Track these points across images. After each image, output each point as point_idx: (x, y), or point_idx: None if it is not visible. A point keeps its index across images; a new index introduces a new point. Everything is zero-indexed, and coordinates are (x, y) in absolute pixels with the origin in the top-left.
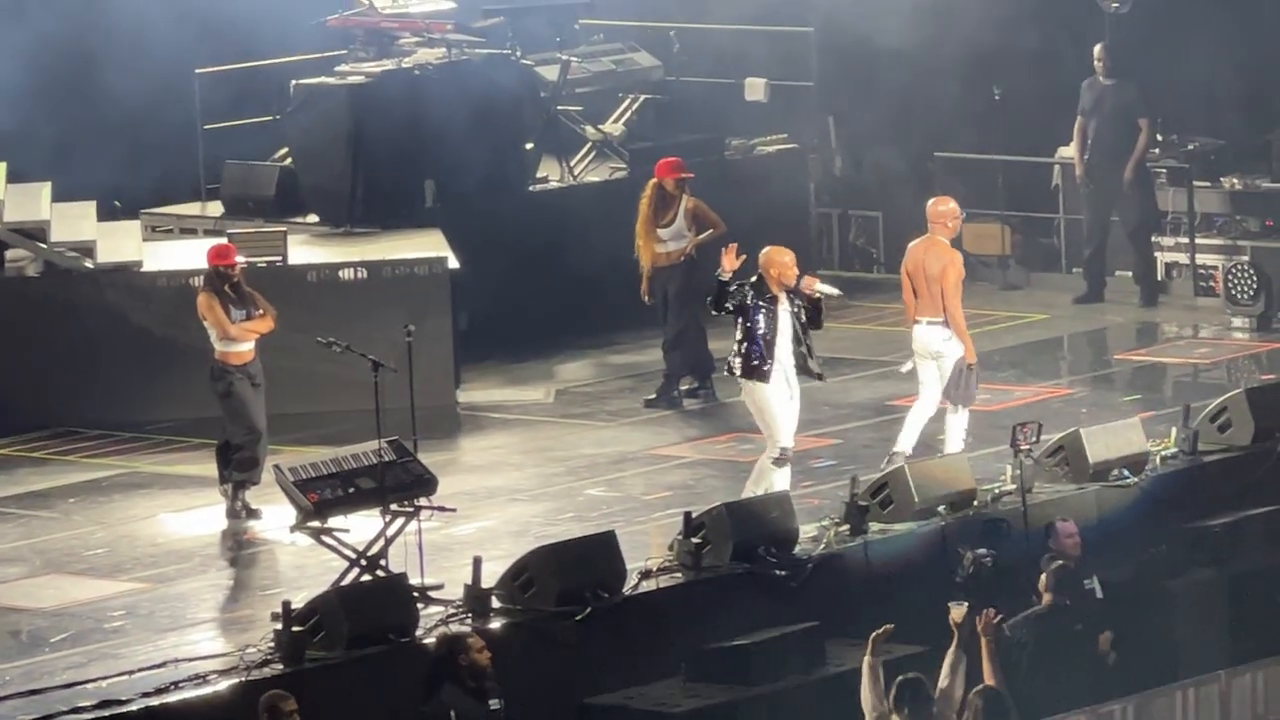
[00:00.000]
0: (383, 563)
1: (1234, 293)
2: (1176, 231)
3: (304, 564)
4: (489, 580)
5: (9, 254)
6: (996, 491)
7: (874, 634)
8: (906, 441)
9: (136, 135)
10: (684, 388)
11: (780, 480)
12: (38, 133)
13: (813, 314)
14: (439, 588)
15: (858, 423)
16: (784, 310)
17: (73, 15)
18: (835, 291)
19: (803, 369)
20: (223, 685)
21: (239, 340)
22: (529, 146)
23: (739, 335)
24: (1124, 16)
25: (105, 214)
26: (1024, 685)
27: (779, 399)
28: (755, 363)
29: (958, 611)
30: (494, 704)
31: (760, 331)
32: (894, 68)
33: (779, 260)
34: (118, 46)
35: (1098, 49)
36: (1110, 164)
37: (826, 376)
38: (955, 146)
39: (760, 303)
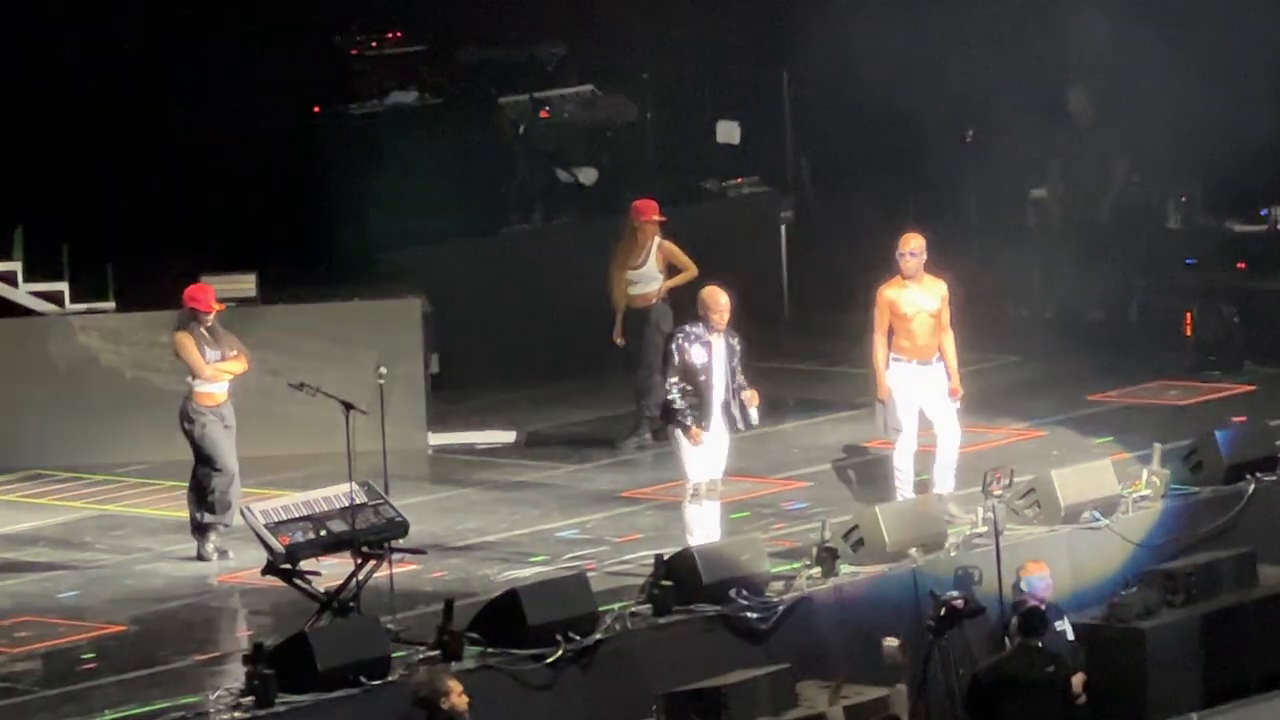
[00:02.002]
0: (353, 605)
1: (1203, 335)
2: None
3: (275, 606)
4: (461, 622)
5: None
6: (968, 533)
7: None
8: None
9: None
10: (654, 430)
11: (699, 516)
12: None
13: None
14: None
15: (829, 465)
16: (718, 353)
17: None
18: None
19: (726, 413)
20: None
21: (213, 381)
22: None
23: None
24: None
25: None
26: None
27: (706, 435)
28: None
29: (890, 646)
30: None
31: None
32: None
33: (714, 303)
34: None
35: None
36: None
37: (743, 429)
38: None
39: (696, 342)
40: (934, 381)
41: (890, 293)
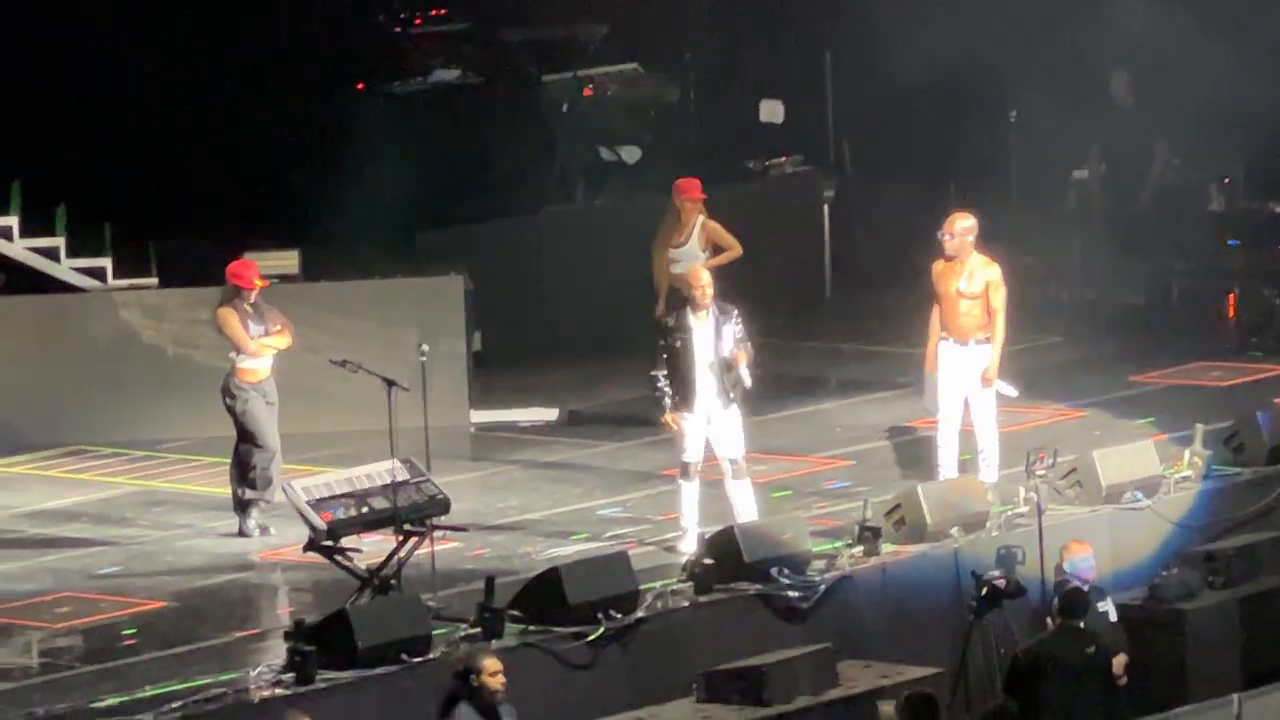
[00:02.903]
0: (395, 582)
1: (1244, 317)
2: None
3: (316, 583)
4: (501, 600)
5: None
6: (1010, 514)
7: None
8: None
9: None
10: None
11: (687, 494)
12: None
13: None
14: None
15: (871, 444)
16: (701, 332)
17: None
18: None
19: (721, 391)
20: (234, 704)
21: (256, 356)
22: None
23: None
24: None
25: None
26: (1037, 709)
27: (690, 415)
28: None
29: (886, 710)
30: None
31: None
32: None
33: (694, 280)
34: None
35: (1115, 76)
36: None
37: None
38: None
39: (676, 328)
40: (971, 364)
41: (935, 269)
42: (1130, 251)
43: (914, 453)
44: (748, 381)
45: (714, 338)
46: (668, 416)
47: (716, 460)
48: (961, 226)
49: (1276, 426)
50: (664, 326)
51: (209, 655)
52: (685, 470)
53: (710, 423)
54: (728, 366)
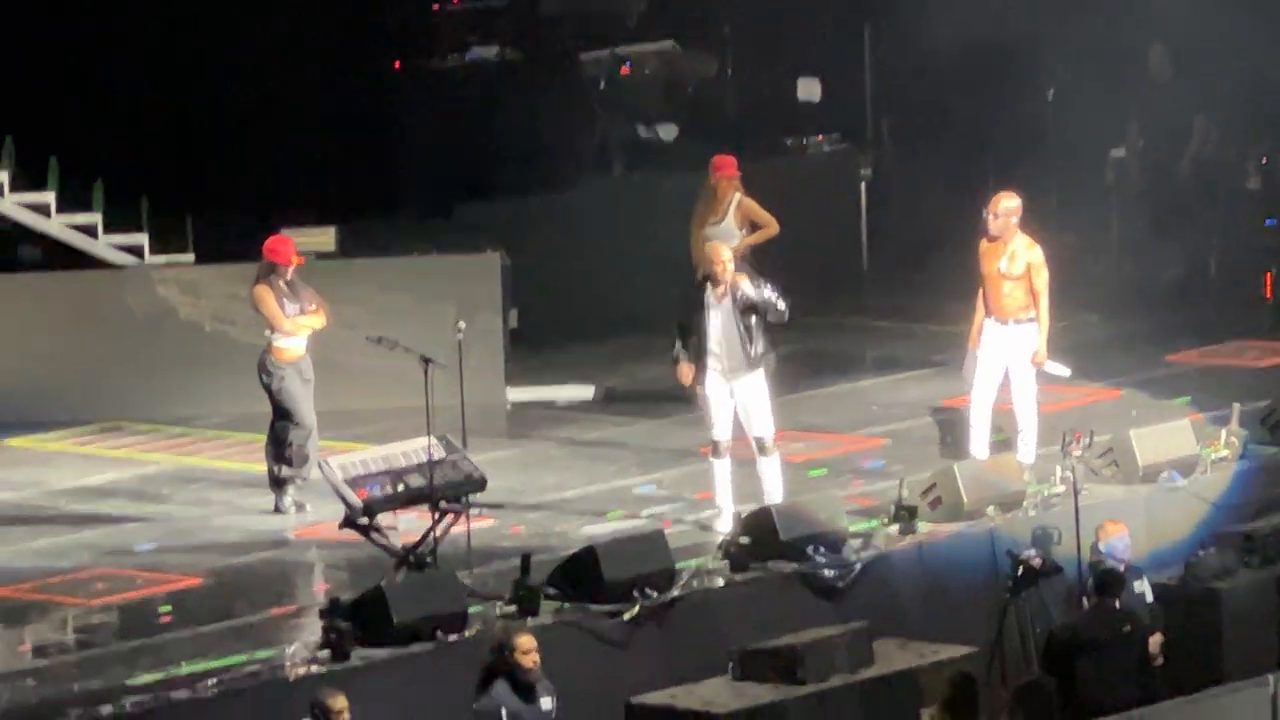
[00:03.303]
0: (430, 560)
1: None
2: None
3: (352, 560)
4: (537, 577)
5: None
6: (1046, 493)
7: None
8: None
9: None
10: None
11: (717, 471)
12: None
13: (754, 309)
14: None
15: (908, 422)
16: (721, 309)
17: None
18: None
19: (752, 363)
20: (270, 681)
21: (292, 334)
22: None
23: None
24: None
25: None
26: (1073, 688)
27: (711, 394)
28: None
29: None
30: (546, 703)
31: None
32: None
33: (714, 256)
34: None
35: (1154, 52)
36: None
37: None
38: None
39: (694, 303)
40: (1010, 343)
41: (980, 248)
42: (1167, 230)
43: (950, 431)
44: (772, 299)
45: (732, 315)
46: (683, 368)
47: (746, 441)
48: (1006, 206)
49: None
50: (684, 300)
51: (244, 632)
52: (715, 448)
53: (733, 396)
54: (751, 308)
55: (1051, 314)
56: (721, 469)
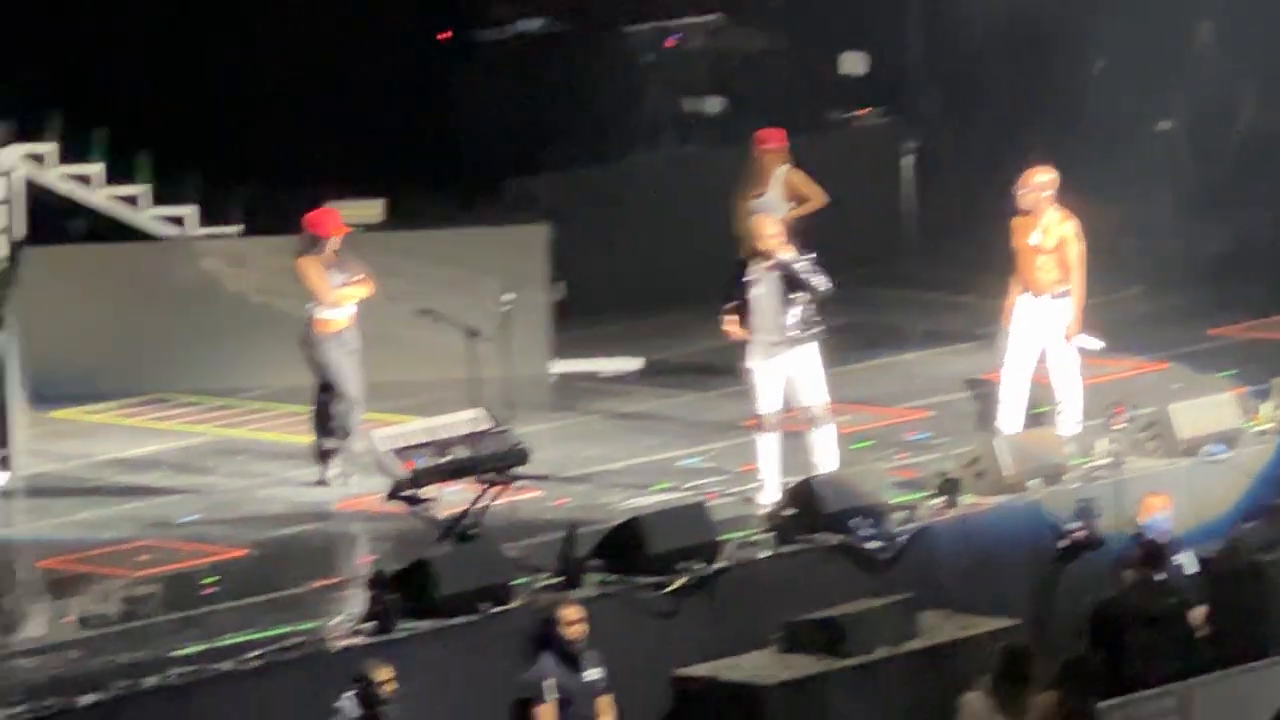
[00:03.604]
0: (475, 532)
1: None
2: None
3: (397, 532)
4: (582, 550)
5: None
6: (1089, 466)
7: None
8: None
9: None
10: None
11: (763, 446)
12: None
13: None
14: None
15: (952, 395)
16: (767, 282)
17: None
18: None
19: (796, 338)
20: (314, 653)
21: (336, 306)
22: None
23: None
24: None
25: None
26: (1119, 661)
27: (759, 368)
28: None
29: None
30: (593, 674)
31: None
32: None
33: (758, 231)
34: None
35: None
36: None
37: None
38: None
39: (741, 278)
40: (1045, 318)
41: (1014, 223)
42: (1213, 203)
43: (995, 405)
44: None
45: (778, 290)
46: (730, 323)
47: (795, 414)
48: (1038, 181)
49: None
50: (733, 274)
51: (289, 604)
52: (762, 423)
53: (783, 369)
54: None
55: (1084, 287)
56: (768, 443)
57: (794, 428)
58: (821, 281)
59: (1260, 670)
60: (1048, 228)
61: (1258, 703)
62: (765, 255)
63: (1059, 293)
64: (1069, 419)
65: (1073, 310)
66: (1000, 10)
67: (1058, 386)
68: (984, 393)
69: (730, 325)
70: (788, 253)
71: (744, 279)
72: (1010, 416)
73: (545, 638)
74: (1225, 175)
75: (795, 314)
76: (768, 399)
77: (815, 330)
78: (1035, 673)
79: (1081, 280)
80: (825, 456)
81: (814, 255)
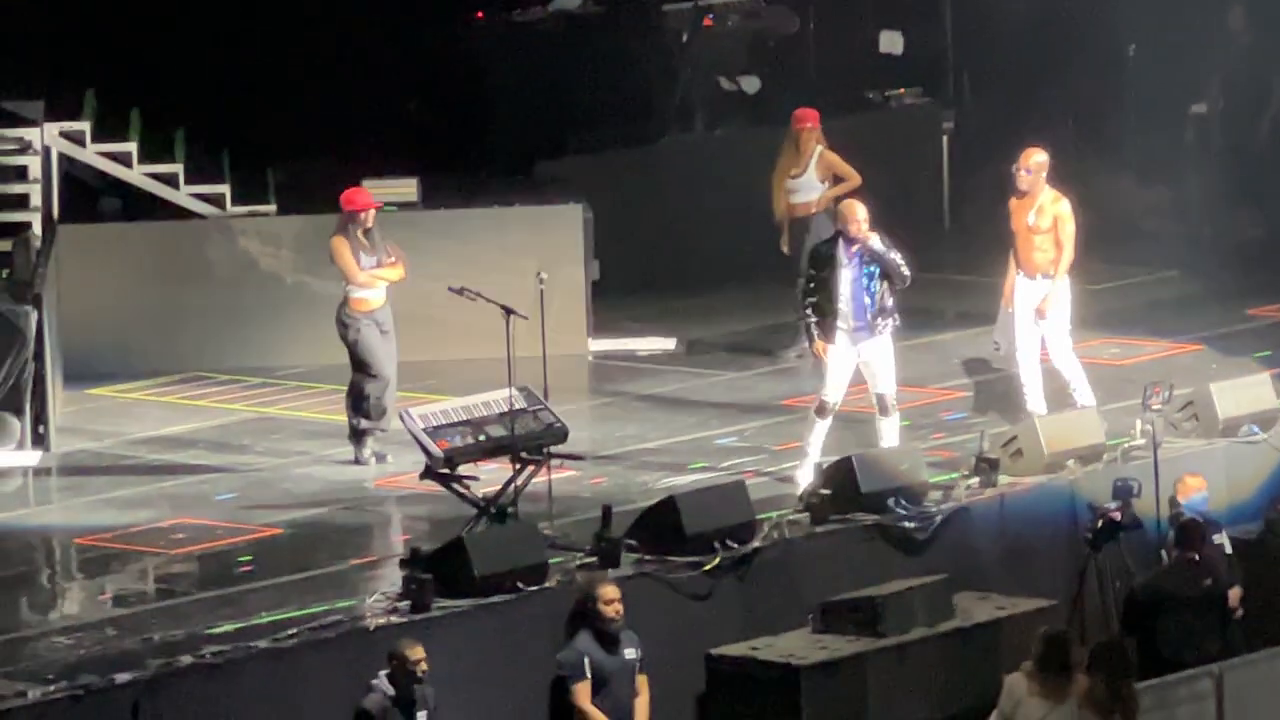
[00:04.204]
0: (511, 511)
1: None
2: None
3: (433, 511)
4: (618, 529)
5: None
6: (1126, 447)
7: None
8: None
9: None
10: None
11: (816, 431)
12: None
13: (883, 271)
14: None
15: (989, 375)
16: (851, 266)
17: None
18: None
19: (875, 326)
20: (350, 631)
21: (366, 287)
22: None
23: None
24: None
25: None
26: (1152, 641)
27: (833, 354)
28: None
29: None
30: (630, 653)
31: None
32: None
33: (849, 215)
34: None
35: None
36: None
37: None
38: (1089, 104)
39: (824, 258)
40: (1040, 298)
41: (1011, 205)
42: (1248, 185)
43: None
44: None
45: (858, 273)
46: (818, 345)
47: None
48: (1036, 162)
49: None
50: (817, 256)
51: (325, 583)
52: (822, 408)
53: (861, 357)
54: (878, 268)
55: (1073, 268)
56: (820, 427)
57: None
58: (903, 273)
59: None
60: (1043, 207)
61: None
62: (853, 240)
63: (1053, 273)
64: (1083, 393)
65: (1051, 289)
66: None
67: (1060, 366)
68: (1007, 374)
69: (820, 349)
70: (874, 237)
71: (830, 260)
72: (1034, 397)
73: (582, 616)
74: (1258, 159)
75: (883, 304)
76: (835, 385)
77: (895, 319)
78: (1076, 658)
79: (1068, 261)
80: (890, 443)
81: (896, 245)
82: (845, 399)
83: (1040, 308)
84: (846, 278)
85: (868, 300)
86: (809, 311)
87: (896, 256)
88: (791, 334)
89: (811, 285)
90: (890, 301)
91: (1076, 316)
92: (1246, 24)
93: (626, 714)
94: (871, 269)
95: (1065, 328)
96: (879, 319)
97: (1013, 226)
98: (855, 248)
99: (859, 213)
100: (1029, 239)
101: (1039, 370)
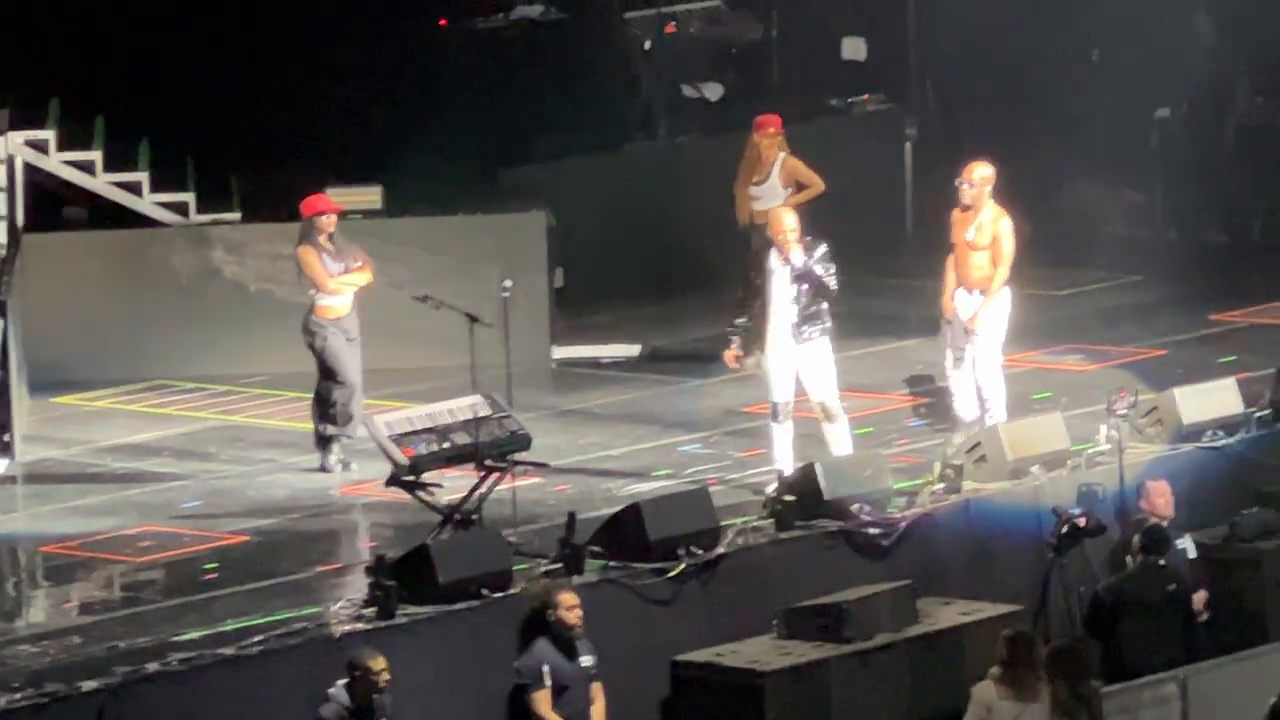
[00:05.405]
0: (476, 518)
1: None
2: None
3: (398, 518)
4: (582, 536)
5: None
6: (1090, 452)
7: None
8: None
9: None
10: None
11: (776, 434)
12: None
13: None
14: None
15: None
16: (783, 275)
17: None
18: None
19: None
20: (315, 638)
21: (335, 294)
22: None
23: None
24: None
25: None
26: (1117, 645)
27: (772, 357)
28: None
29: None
30: (586, 660)
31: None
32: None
33: (776, 223)
34: None
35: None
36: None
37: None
38: (1053, 110)
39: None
40: (971, 312)
41: (952, 217)
42: (1212, 190)
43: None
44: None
45: (795, 285)
46: (729, 352)
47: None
48: (980, 176)
49: None
50: (751, 264)
51: (290, 590)
52: (774, 411)
53: (798, 363)
54: (803, 278)
55: (1009, 282)
56: (781, 432)
57: (803, 414)
58: (834, 282)
59: (1259, 657)
60: (982, 224)
61: (1257, 689)
62: (782, 250)
63: (988, 289)
64: (996, 414)
65: (985, 301)
66: None
67: (981, 381)
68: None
69: (730, 357)
70: (805, 253)
71: (762, 269)
72: (965, 407)
73: (540, 624)
74: (1223, 164)
75: (808, 311)
76: (780, 387)
77: (825, 327)
78: (1040, 657)
79: (1004, 277)
80: (840, 449)
81: (826, 249)
82: (807, 407)
83: (970, 324)
84: (781, 283)
85: (796, 307)
86: (736, 320)
87: (820, 268)
88: (754, 342)
89: (741, 294)
90: (820, 307)
91: (1040, 323)
92: (1211, 29)
93: None
94: (795, 277)
95: (997, 344)
96: (807, 325)
97: (953, 239)
98: (785, 256)
99: (785, 222)
100: (967, 253)
101: (969, 381)
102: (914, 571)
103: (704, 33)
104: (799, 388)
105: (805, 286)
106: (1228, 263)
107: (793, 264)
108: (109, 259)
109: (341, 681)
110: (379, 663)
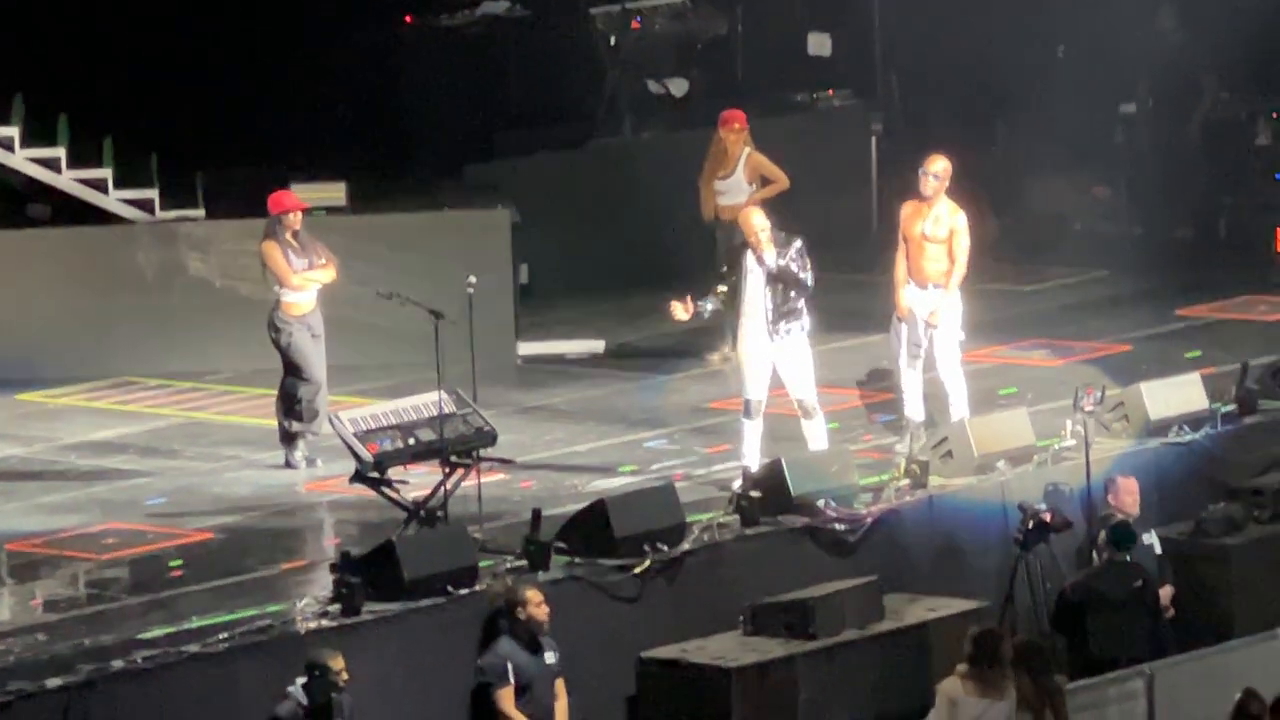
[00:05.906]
0: (441, 514)
1: None
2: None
3: (363, 515)
4: (548, 532)
5: None
6: (1057, 448)
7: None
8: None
9: None
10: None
11: (747, 431)
12: None
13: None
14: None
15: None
16: (758, 273)
17: None
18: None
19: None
20: (280, 636)
21: (300, 290)
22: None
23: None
24: None
25: None
26: (1083, 641)
27: (747, 354)
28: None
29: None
30: (550, 657)
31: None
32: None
33: (745, 225)
34: None
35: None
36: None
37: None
38: (1018, 106)
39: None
40: (930, 308)
41: (905, 210)
42: (1178, 185)
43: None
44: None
45: (765, 281)
46: (677, 301)
47: (778, 400)
48: (941, 168)
49: None
50: (727, 261)
51: (255, 587)
52: (746, 408)
53: (774, 359)
54: (779, 278)
55: (964, 283)
56: (751, 429)
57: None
58: (810, 277)
59: (1225, 653)
60: (939, 217)
61: (1223, 685)
62: (755, 251)
63: (944, 283)
64: (958, 410)
65: (942, 300)
66: None
67: (944, 378)
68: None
69: (675, 306)
70: (779, 250)
71: (739, 266)
72: (914, 408)
73: (503, 621)
74: (1188, 159)
75: (784, 309)
76: (755, 383)
77: (803, 324)
78: (1006, 653)
79: (962, 275)
80: (817, 445)
81: (801, 243)
82: (775, 404)
83: (930, 319)
84: (755, 282)
85: (771, 305)
86: (708, 301)
87: (794, 265)
88: (719, 337)
89: (724, 287)
90: (796, 305)
91: (1006, 318)
92: (1176, 24)
93: (548, 718)
94: (767, 277)
95: (955, 340)
96: (783, 322)
97: (904, 232)
98: (757, 256)
99: (755, 223)
100: (922, 247)
101: (919, 377)
102: (880, 567)
103: (669, 29)
104: (773, 384)
105: (781, 285)
106: (1194, 258)
107: (766, 264)
108: (73, 256)
109: (300, 680)
110: (338, 662)
